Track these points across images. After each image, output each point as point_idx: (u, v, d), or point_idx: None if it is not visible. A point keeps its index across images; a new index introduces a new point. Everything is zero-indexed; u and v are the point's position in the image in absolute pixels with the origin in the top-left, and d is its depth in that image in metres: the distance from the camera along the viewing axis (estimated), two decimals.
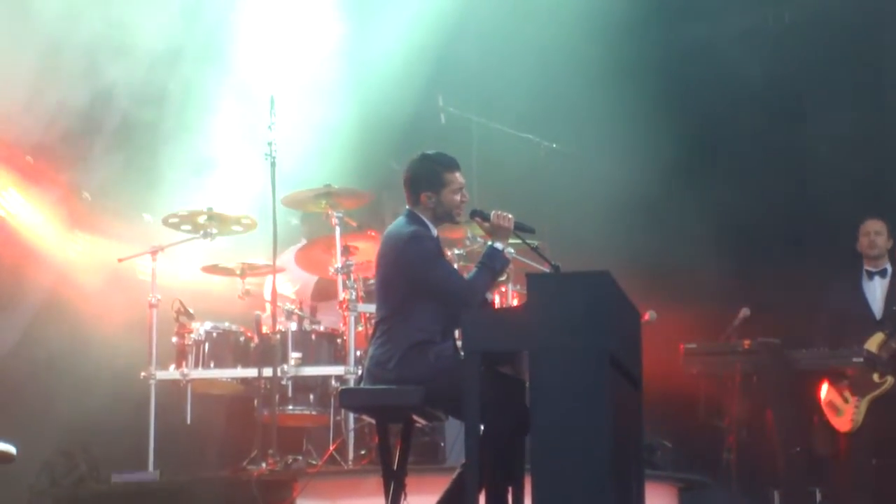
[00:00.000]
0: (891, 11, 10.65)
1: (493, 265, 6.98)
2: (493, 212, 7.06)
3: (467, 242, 9.18)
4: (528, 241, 7.45)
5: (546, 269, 7.26)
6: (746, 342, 9.75)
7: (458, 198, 7.07)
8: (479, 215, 7.11)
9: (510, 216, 7.06)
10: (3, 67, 9.59)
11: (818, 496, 9.78)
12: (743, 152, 10.81)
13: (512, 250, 7.68)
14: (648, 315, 8.80)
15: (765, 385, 9.61)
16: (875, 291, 9.80)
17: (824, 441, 9.74)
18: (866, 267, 9.87)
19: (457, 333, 7.66)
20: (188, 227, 9.26)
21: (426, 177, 7.06)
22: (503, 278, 8.05)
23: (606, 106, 10.66)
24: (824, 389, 9.65)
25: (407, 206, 7.10)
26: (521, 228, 7.17)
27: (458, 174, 7.09)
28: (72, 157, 10.00)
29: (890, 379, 9.47)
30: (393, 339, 6.89)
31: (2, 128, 9.54)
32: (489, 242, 7.08)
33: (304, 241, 9.88)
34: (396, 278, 6.96)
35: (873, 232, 9.81)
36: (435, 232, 7.08)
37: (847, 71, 10.52)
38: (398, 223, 7.07)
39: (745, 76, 10.81)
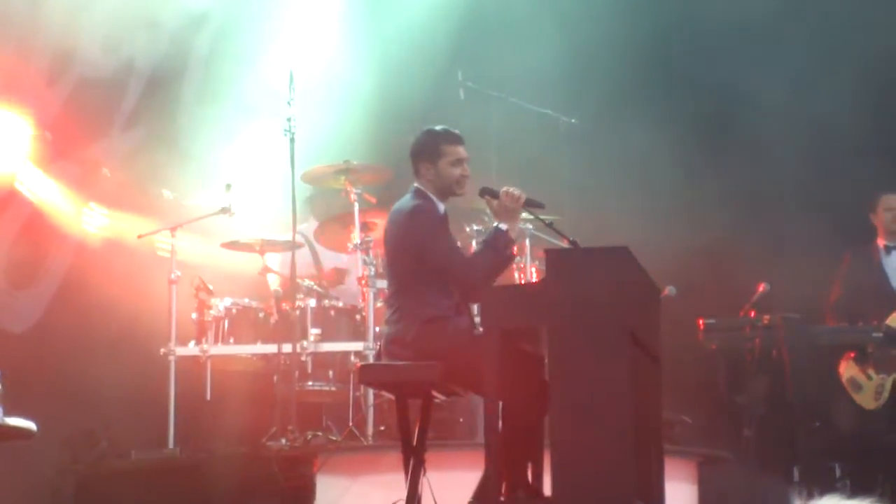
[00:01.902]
0: None
1: (495, 245, 6.95)
2: (503, 189, 7.04)
3: (486, 219, 9.17)
4: (542, 218, 7.43)
5: (565, 244, 7.24)
6: (766, 317, 9.72)
7: (457, 171, 7.07)
8: (488, 193, 7.10)
9: (520, 195, 7.02)
10: (22, 42, 9.60)
11: (838, 471, 9.76)
12: (763, 126, 10.76)
13: (531, 227, 7.68)
14: (668, 290, 8.79)
15: (784, 360, 9.59)
16: (894, 267, 9.77)
17: (844, 417, 9.72)
18: (886, 242, 9.84)
19: (475, 308, 7.71)
20: (207, 204, 9.27)
21: (424, 148, 7.11)
22: (518, 258, 8.04)
23: (626, 81, 10.64)
24: (845, 366, 9.63)
25: (414, 183, 7.13)
26: (531, 205, 7.15)
27: (458, 147, 7.10)
28: (92, 133, 10.01)
29: None
30: (407, 316, 6.90)
31: (22, 103, 9.55)
32: (495, 223, 7.07)
33: (311, 220, 9.89)
34: (402, 254, 6.98)
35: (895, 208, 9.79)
36: (442, 207, 7.08)
37: (863, 44, 10.44)
38: (404, 199, 7.10)
39: (765, 50, 10.75)
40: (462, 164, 7.09)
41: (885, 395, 9.49)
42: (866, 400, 9.55)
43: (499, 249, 6.96)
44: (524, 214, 7.83)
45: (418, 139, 7.17)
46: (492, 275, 6.98)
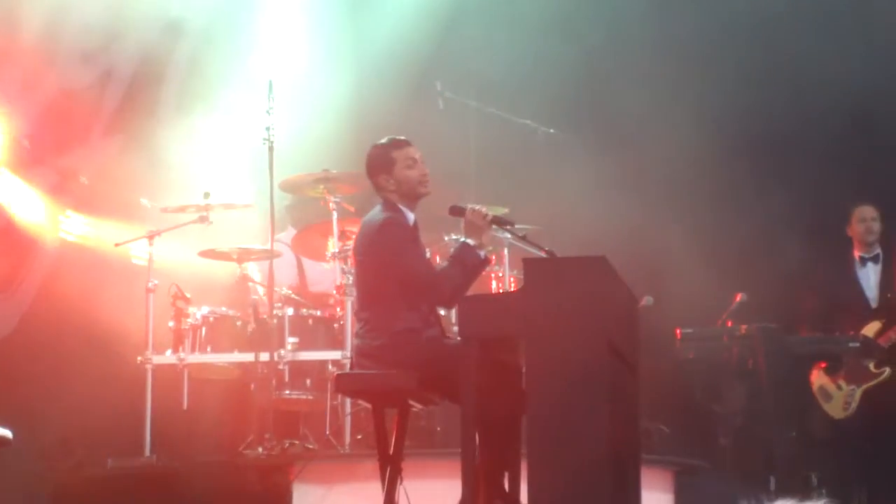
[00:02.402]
0: None
1: (462, 259, 6.96)
2: (469, 207, 7.06)
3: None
4: (514, 232, 7.46)
5: (542, 255, 7.26)
6: (743, 327, 9.75)
7: (414, 172, 7.09)
8: (457, 211, 7.11)
9: (487, 213, 7.03)
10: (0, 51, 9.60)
11: (814, 481, 9.79)
12: (736, 135, 10.79)
13: (508, 235, 7.70)
14: (645, 300, 8.82)
15: (761, 370, 9.62)
16: (869, 278, 9.82)
17: (821, 426, 9.76)
18: (860, 253, 9.89)
19: (452, 316, 7.72)
20: (184, 213, 9.26)
21: (376, 161, 7.14)
22: (496, 267, 8.06)
23: (604, 91, 10.66)
24: (816, 375, 9.68)
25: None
26: (499, 223, 7.18)
27: (408, 149, 7.13)
28: (70, 141, 9.99)
29: (888, 370, 9.49)
30: (376, 329, 6.91)
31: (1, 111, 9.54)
32: (462, 238, 7.08)
33: (290, 229, 9.89)
34: (370, 267, 6.99)
35: (870, 218, 9.83)
36: (412, 217, 7.09)
37: (838, 55, 10.49)
38: (374, 212, 7.11)
39: (742, 57, 10.78)
40: (417, 164, 7.11)
41: (854, 405, 9.55)
42: (835, 409, 9.60)
43: (466, 265, 6.96)
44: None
45: (369, 156, 7.20)
46: (459, 289, 6.96)
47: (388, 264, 6.91)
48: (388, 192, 7.09)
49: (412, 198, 7.12)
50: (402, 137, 7.20)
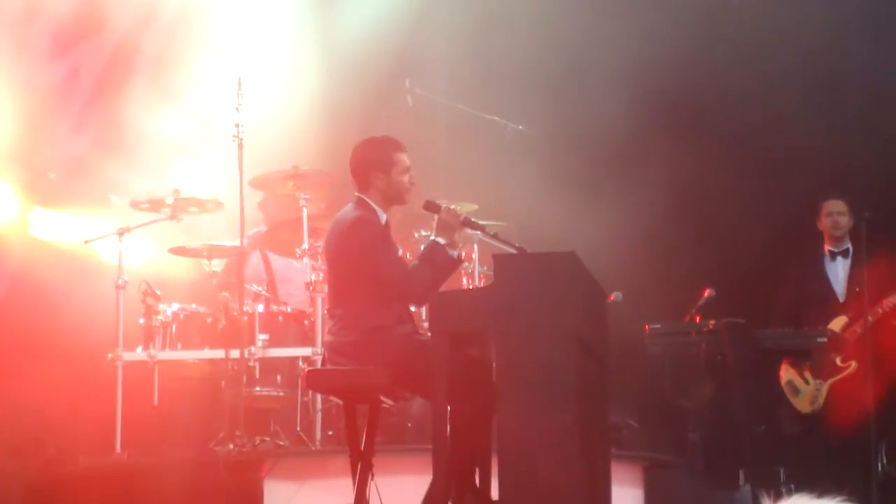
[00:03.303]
0: None
1: (433, 258, 6.98)
2: (444, 206, 7.07)
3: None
4: (486, 233, 7.49)
5: (512, 251, 7.28)
6: (711, 322, 9.78)
7: (406, 178, 7.10)
8: (431, 207, 7.12)
9: (459, 213, 7.05)
10: None
11: (782, 475, 9.85)
12: (703, 129, 10.84)
13: (479, 233, 7.73)
14: (614, 296, 8.84)
15: (729, 365, 9.66)
16: (838, 272, 9.87)
17: (789, 420, 9.82)
18: (829, 247, 9.94)
19: (423, 313, 7.74)
20: (154, 210, 9.25)
21: (375, 157, 7.11)
22: (466, 264, 8.06)
23: (572, 87, 10.69)
24: (784, 370, 9.74)
25: (356, 193, 7.13)
26: (471, 225, 7.20)
27: (404, 155, 7.14)
28: (38, 138, 9.97)
29: (853, 364, 9.55)
30: (348, 327, 6.93)
31: None
32: (431, 236, 7.10)
33: (262, 227, 9.89)
34: (342, 265, 7.01)
35: (836, 212, 9.87)
36: (384, 217, 7.10)
37: (804, 48, 10.53)
38: (345, 210, 7.11)
39: (707, 53, 10.81)
40: (409, 172, 7.13)
41: (821, 400, 9.61)
42: (802, 404, 9.67)
43: (436, 263, 6.98)
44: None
45: (367, 147, 7.16)
46: (431, 288, 6.98)
47: (359, 262, 6.93)
48: (373, 189, 7.07)
49: (394, 202, 7.15)
50: (399, 140, 7.18)
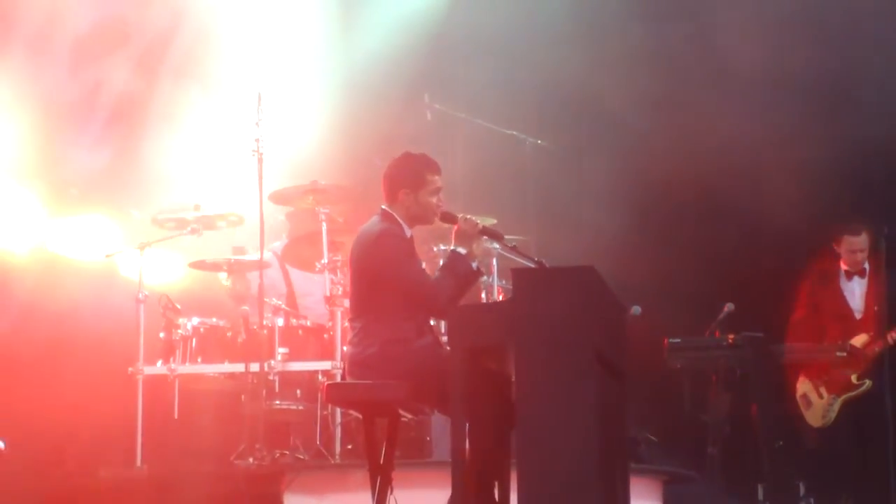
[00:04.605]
0: None
1: (454, 269, 6.99)
2: (461, 215, 7.09)
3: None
4: (504, 243, 7.50)
5: (532, 265, 7.30)
6: (731, 337, 9.78)
7: (434, 200, 7.11)
8: (448, 218, 7.14)
9: (477, 222, 7.06)
10: None
11: (801, 489, 9.84)
12: (728, 146, 10.84)
13: (497, 246, 7.75)
14: (633, 310, 8.85)
15: (749, 379, 9.66)
16: (854, 291, 9.87)
17: (809, 435, 9.81)
18: (844, 267, 9.94)
19: (442, 326, 7.75)
20: (175, 224, 9.29)
21: (407, 175, 7.11)
22: (486, 278, 8.05)
23: (591, 102, 10.71)
24: (800, 382, 9.74)
25: (382, 205, 7.16)
26: (489, 234, 7.20)
27: (437, 177, 7.14)
28: (60, 153, 10.02)
29: (868, 382, 9.55)
30: (369, 338, 6.94)
31: None
32: (452, 246, 7.11)
33: (284, 239, 9.93)
34: (366, 276, 7.01)
35: (858, 250, 9.85)
36: (409, 232, 7.11)
37: (819, 78, 10.52)
38: (371, 222, 7.12)
39: (736, 71, 10.83)
40: (439, 195, 7.14)
41: (833, 415, 9.62)
42: (814, 417, 9.68)
43: (458, 273, 6.99)
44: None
45: (401, 164, 7.16)
46: (454, 298, 7.00)
47: (384, 274, 6.94)
48: (400, 206, 7.09)
49: (418, 222, 7.15)
50: (435, 160, 7.17)
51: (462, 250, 7.01)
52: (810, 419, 9.68)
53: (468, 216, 7.10)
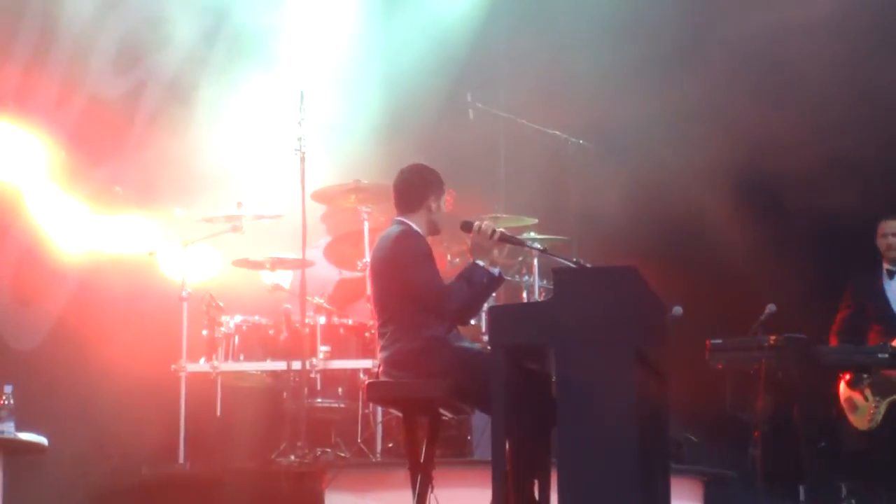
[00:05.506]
0: None
1: (470, 278, 6.96)
2: (476, 223, 7.05)
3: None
4: (528, 247, 7.49)
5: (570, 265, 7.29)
6: (772, 338, 9.72)
7: (445, 211, 7.24)
8: (466, 227, 7.11)
9: (495, 231, 7.01)
10: (35, 60, 9.69)
11: (843, 491, 9.80)
12: (772, 147, 10.79)
13: (539, 245, 7.74)
14: (674, 310, 8.83)
15: (791, 380, 9.62)
16: (895, 290, 9.82)
17: (851, 437, 9.76)
18: (886, 266, 9.89)
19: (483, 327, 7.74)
20: (218, 222, 9.34)
21: (435, 182, 7.20)
22: (527, 278, 8.03)
23: (636, 102, 10.68)
24: (843, 386, 9.69)
25: (396, 217, 7.17)
26: (508, 240, 7.15)
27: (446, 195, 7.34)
28: (104, 151, 10.08)
29: None
30: (404, 338, 6.93)
31: (35, 122, 9.63)
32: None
33: (326, 238, 9.95)
34: (388, 280, 7.01)
35: (891, 234, 9.81)
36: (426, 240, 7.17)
37: (859, 70, 10.46)
38: (389, 230, 7.15)
39: (774, 70, 10.79)
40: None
41: (879, 418, 9.55)
42: (860, 421, 9.61)
43: (473, 282, 6.97)
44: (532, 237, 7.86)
45: (426, 171, 7.26)
46: (469, 305, 7.03)
47: (403, 274, 6.94)
48: (424, 211, 7.14)
49: (434, 230, 7.19)
50: None
51: (480, 262, 7.00)
52: (857, 422, 9.61)
53: (485, 223, 7.06)
